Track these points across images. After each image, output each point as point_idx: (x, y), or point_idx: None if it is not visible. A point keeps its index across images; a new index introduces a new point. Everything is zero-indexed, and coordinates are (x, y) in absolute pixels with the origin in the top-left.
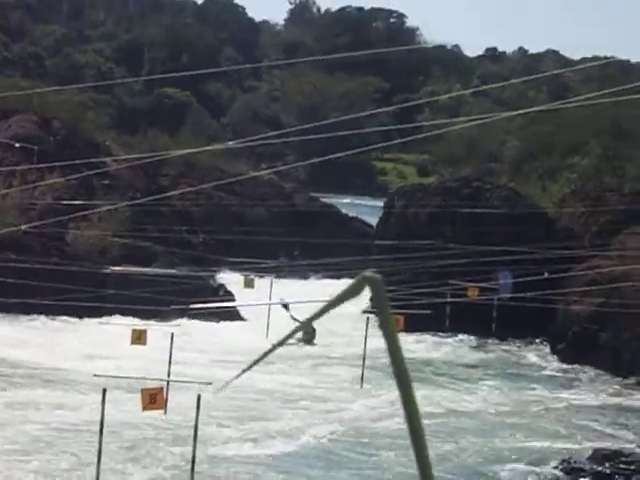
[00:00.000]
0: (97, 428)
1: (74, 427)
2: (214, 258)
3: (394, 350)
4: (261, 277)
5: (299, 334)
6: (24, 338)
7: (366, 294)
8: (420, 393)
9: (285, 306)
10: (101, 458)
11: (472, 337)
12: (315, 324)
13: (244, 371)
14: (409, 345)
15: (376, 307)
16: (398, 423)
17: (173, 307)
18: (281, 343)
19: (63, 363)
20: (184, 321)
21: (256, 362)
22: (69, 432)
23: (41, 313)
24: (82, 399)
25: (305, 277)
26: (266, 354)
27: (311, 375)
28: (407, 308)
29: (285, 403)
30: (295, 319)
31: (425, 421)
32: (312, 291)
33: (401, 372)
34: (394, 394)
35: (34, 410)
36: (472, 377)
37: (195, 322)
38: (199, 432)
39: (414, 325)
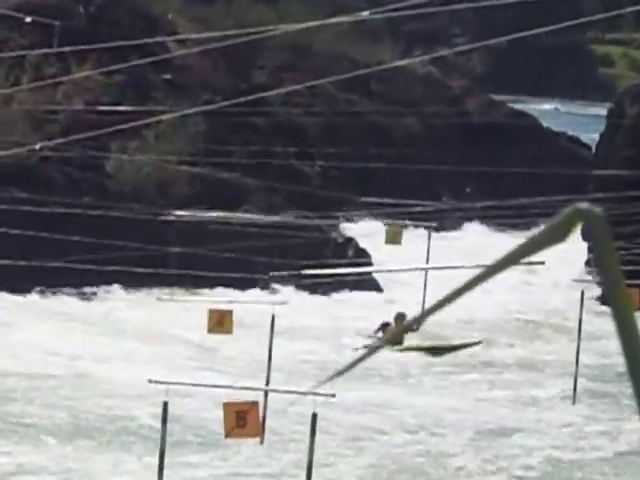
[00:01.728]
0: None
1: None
2: (339, 197)
3: (629, 338)
4: (413, 227)
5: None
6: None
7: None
8: None
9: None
10: None
11: None
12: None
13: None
14: None
15: (597, 263)
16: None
17: (273, 274)
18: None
19: (98, 366)
20: (291, 295)
21: (357, 362)
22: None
23: (65, 283)
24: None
25: (487, 227)
26: (364, 357)
27: (475, 391)
28: None
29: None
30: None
31: None
32: (493, 250)
33: None
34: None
35: None
36: None
37: (309, 296)
38: None
39: None
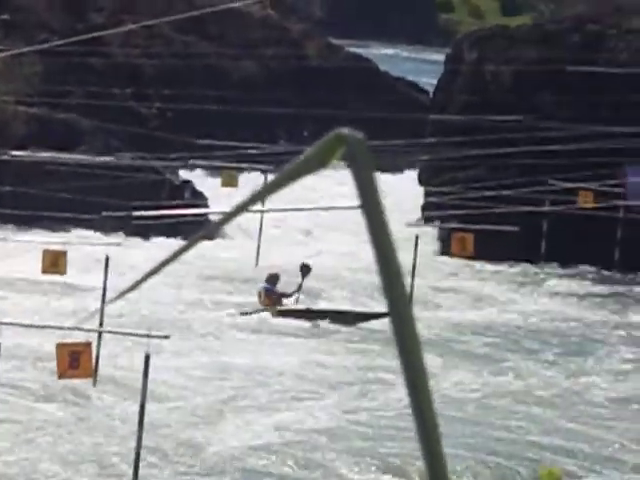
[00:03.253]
0: None
1: None
2: (175, 140)
3: (385, 258)
4: (249, 170)
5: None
6: None
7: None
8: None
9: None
10: None
11: (586, 268)
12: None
13: (139, 282)
14: (480, 286)
15: (357, 188)
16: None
17: (106, 214)
18: (185, 249)
19: None
20: (125, 238)
21: (152, 273)
22: None
23: None
24: None
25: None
26: (164, 264)
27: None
28: (480, 222)
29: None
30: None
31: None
32: (332, 193)
33: (397, 302)
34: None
35: None
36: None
37: (143, 240)
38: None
39: (489, 249)
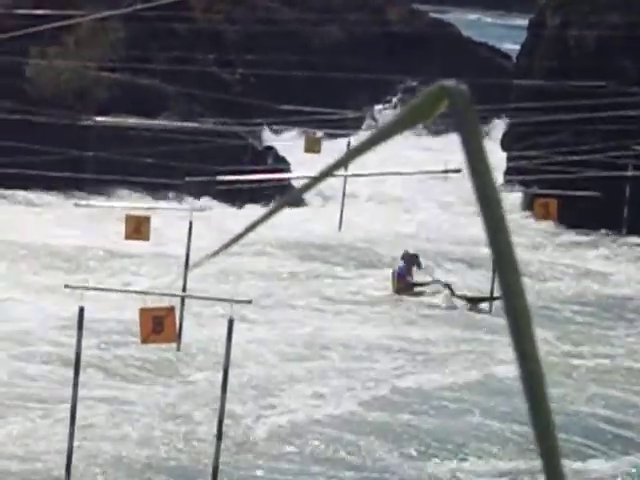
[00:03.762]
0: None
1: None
2: (259, 105)
3: (494, 226)
4: (333, 136)
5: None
6: None
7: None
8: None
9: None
10: None
11: None
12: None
13: (224, 247)
14: (568, 255)
15: (462, 143)
16: None
17: (189, 179)
18: (272, 213)
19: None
20: (209, 202)
21: (238, 237)
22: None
23: None
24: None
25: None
26: (254, 225)
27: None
28: (563, 187)
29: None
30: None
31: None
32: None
33: (508, 274)
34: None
35: None
36: None
37: (226, 206)
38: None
39: (571, 215)
